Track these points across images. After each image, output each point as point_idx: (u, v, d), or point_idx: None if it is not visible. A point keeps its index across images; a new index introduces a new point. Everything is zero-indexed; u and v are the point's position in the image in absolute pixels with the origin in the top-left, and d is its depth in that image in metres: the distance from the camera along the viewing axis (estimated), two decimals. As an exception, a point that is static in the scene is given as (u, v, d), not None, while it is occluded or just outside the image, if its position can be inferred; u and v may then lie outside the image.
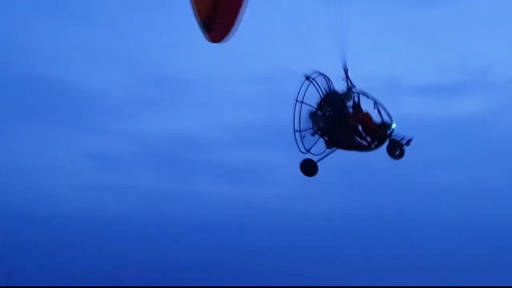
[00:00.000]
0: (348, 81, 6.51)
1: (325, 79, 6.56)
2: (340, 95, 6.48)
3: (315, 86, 6.46)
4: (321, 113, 6.36)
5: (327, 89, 6.55)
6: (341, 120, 6.29)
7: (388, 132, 6.38)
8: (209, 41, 7.71)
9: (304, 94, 6.47)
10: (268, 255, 30.41)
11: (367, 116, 6.40)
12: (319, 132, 6.57)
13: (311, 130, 6.59)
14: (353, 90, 6.46)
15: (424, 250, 30.86)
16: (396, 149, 6.49)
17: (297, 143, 6.59)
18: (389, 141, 6.54)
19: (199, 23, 7.40)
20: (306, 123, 6.57)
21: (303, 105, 6.49)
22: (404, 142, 6.46)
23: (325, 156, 6.65)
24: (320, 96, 6.54)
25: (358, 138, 6.48)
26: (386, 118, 6.46)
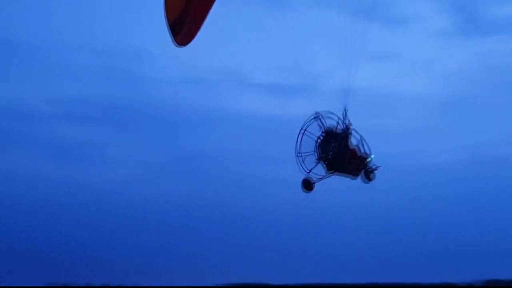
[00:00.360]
0: (348, 121, 7.86)
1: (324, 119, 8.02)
2: (342, 132, 7.82)
3: (321, 122, 7.96)
4: (329, 145, 7.63)
5: (330, 126, 7.98)
6: (344, 152, 7.65)
7: (367, 161, 7.85)
8: (174, 44, 8.69)
9: (308, 126, 8.00)
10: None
11: (357, 149, 7.92)
12: (324, 159, 7.87)
13: (311, 155, 7.94)
14: (351, 129, 7.81)
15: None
16: (371, 175, 8.08)
17: (300, 165, 8.02)
18: (366, 169, 8.04)
19: (167, 27, 8.38)
20: (307, 149, 7.95)
21: (304, 134, 7.99)
22: (375, 168, 7.94)
23: (324, 178, 8.02)
24: (323, 132, 7.90)
25: (352, 166, 7.90)
26: (367, 151, 7.98)
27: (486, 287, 34.29)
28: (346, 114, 7.99)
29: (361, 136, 8.18)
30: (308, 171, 8.10)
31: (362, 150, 8.18)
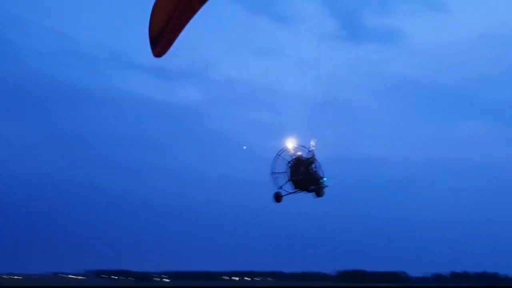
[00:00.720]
0: (312, 151, 9.73)
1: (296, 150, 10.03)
2: (308, 159, 9.85)
3: (293, 151, 9.91)
4: (298, 170, 9.42)
5: (298, 155, 9.94)
6: (308, 175, 9.55)
7: (321, 182, 9.93)
8: (153, 55, 10.15)
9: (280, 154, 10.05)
10: None
11: (316, 174, 9.75)
12: (293, 180, 9.66)
13: (283, 174, 9.86)
14: (314, 157, 9.56)
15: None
16: (321, 192, 10.37)
17: (273, 181, 10.03)
18: (319, 187, 10.09)
19: (149, 40, 9.90)
20: (281, 170, 9.75)
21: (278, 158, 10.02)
22: (325, 187, 10.13)
23: (291, 193, 10.08)
24: (293, 159, 9.80)
25: (312, 187, 9.91)
26: (321, 174, 10.15)
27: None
28: (313, 147, 9.60)
29: (319, 163, 10.04)
30: (279, 187, 9.45)
31: (319, 173, 10.08)
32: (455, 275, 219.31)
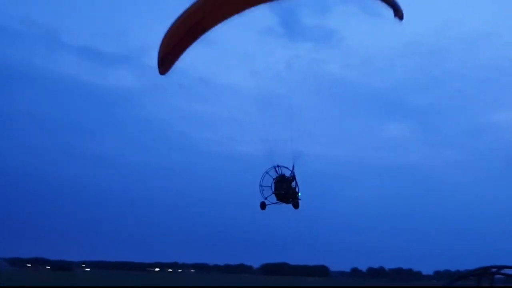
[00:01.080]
0: (293, 172, 11.85)
1: (280, 169, 12.11)
2: (289, 178, 11.99)
3: (276, 171, 12.15)
4: (280, 186, 11.77)
5: (282, 173, 12.18)
6: (289, 190, 11.88)
7: (297, 196, 12.14)
8: (159, 72, 11.41)
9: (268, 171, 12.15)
10: None
11: (295, 190, 12.02)
12: (277, 193, 11.95)
13: (269, 188, 12.08)
14: (295, 176, 11.93)
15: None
16: (298, 204, 12.31)
17: (260, 193, 12.17)
18: (296, 201, 12.25)
19: (158, 60, 11.30)
20: (267, 185, 12.05)
21: (266, 175, 12.21)
22: (298, 199, 12.07)
23: (273, 203, 12.17)
24: (277, 176, 12.10)
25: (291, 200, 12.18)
26: (298, 189, 12.18)
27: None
28: (293, 168, 11.59)
29: (296, 180, 11.92)
30: (265, 198, 11.80)
31: (296, 189, 12.08)
32: (371, 270, 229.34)
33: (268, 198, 12.52)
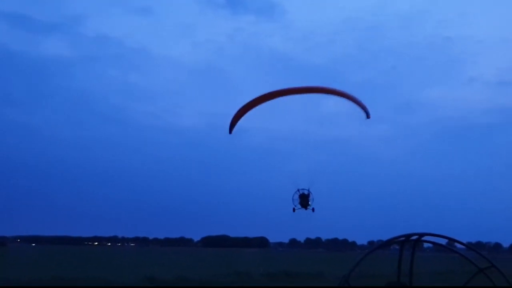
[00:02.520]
0: (310, 191, 15.63)
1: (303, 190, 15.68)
2: (308, 195, 15.71)
3: (298, 191, 15.71)
4: (304, 200, 15.65)
5: (303, 191, 15.68)
6: (307, 203, 15.69)
7: (310, 204, 15.83)
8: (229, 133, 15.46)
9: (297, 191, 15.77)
10: None
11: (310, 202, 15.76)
12: (300, 203, 15.79)
13: (297, 202, 15.70)
14: (311, 192, 15.70)
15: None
16: (312, 210, 15.93)
17: (292, 202, 15.78)
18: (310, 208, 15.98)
19: (232, 125, 15.49)
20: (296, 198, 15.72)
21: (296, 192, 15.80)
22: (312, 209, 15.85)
23: (299, 209, 15.80)
24: (300, 193, 15.71)
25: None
26: (311, 202, 15.92)
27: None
28: (309, 191, 15.11)
29: (312, 195, 15.37)
30: (294, 205, 15.29)
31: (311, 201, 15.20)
32: (309, 241, 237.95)
33: (296, 206, 15.94)
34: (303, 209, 15.75)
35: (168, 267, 47.89)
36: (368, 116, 16.24)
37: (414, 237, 8.07)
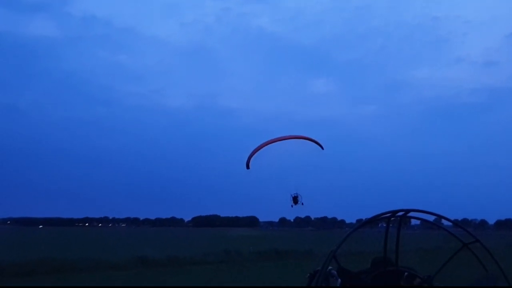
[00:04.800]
0: (298, 197, 15.40)
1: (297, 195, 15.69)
2: (297, 196, 15.49)
3: (291, 195, 15.64)
4: (294, 200, 15.42)
5: (294, 195, 15.54)
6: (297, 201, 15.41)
7: (300, 201, 15.52)
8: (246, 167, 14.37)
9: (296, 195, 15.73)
10: None
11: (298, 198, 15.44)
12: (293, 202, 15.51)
13: (291, 202, 15.52)
14: (299, 194, 15.58)
15: None
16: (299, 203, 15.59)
17: (290, 201, 15.62)
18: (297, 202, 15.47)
19: (248, 162, 14.40)
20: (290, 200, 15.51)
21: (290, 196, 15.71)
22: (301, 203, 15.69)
23: (293, 206, 15.68)
24: (292, 196, 15.51)
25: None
26: (300, 199, 15.50)
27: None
28: (297, 195, 15.45)
29: (300, 195, 15.79)
30: (291, 205, 15.55)
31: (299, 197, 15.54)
32: (298, 220, 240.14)
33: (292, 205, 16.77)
34: (296, 203, 18.67)
35: (159, 247, 48.23)
36: (322, 148, 16.31)
37: (400, 213, 8.22)
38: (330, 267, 7.55)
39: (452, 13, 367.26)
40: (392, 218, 8.51)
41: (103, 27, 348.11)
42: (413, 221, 9.60)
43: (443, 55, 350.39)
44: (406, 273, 8.16)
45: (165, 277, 24.66)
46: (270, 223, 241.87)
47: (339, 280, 7.79)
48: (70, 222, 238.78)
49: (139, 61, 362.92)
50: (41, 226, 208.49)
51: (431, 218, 8.81)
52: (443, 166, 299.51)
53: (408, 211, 8.09)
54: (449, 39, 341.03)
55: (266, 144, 15.40)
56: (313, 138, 15.52)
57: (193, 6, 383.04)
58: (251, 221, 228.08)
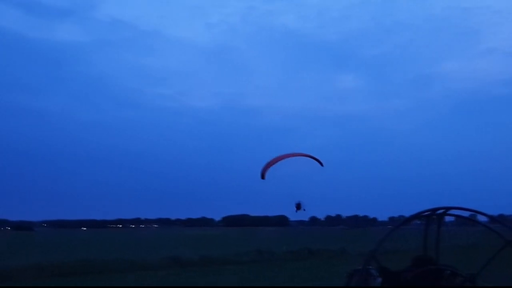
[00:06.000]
0: (301, 204, 16.66)
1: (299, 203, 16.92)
2: (299, 204, 16.66)
3: (298, 203, 16.79)
4: (298, 206, 16.68)
5: (298, 202, 16.85)
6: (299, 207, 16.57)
7: (302, 208, 16.59)
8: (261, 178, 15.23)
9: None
10: None
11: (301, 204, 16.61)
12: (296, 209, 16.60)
13: (295, 208, 16.71)
14: (301, 203, 16.72)
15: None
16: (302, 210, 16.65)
17: (295, 210, 16.68)
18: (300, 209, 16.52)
19: (263, 174, 15.26)
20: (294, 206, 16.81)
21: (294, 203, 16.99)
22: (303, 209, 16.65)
23: (297, 211, 16.64)
24: (296, 203, 16.78)
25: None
26: (302, 206, 16.65)
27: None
28: (300, 202, 16.40)
29: (302, 202, 16.86)
30: (295, 211, 16.43)
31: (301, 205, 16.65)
32: (329, 218, 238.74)
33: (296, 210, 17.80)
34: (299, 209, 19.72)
35: (191, 247, 48.72)
36: (321, 164, 17.05)
37: (440, 211, 8.03)
38: (369, 267, 7.45)
39: (482, 3, 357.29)
40: (432, 216, 8.35)
41: (129, 31, 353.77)
42: (447, 218, 9.39)
43: (473, 46, 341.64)
44: (447, 272, 7.97)
45: (199, 277, 24.87)
46: (301, 222, 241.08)
47: (379, 279, 7.68)
48: (104, 223, 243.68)
49: (165, 63, 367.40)
50: (84, 228, 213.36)
51: (466, 214, 8.58)
52: (475, 161, 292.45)
53: (448, 208, 7.90)
54: (479, 30, 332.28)
55: (278, 160, 16.17)
56: (315, 156, 16.18)
57: (218, 6, 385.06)
58: (281, 220, 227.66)
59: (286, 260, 34.58)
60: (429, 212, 7.91)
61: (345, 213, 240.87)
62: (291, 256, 36.53)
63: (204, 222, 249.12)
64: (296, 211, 17.33)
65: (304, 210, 17.46)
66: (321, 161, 16.41)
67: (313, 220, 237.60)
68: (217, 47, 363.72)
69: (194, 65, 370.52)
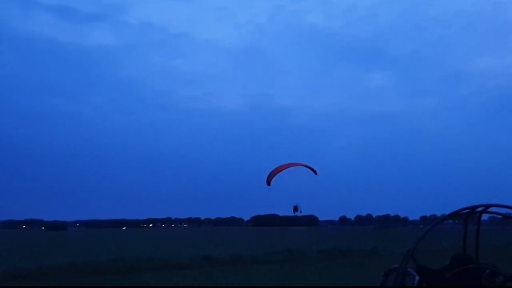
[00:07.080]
0: (298, 207, 18.40)
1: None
2: (297, 206, 18.47)
3: (296, 206, 18.94)
4: (296, 209, 18.63)
5: (295, 205, 18.75)
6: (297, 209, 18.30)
7: (299, 210, 18.58)
8: (267, 184, 16.49)
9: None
10: None
11: (298, 207, 18.43)
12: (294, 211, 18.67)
13: (292, 210, 18.93)
14: (298, 206, 18.52)
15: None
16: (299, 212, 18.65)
17: (293, 211, 18.92)
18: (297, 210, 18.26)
19: (268, 181, 16.53)
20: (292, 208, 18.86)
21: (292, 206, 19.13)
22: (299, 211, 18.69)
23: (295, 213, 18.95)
24: (294, 206, 18.76)
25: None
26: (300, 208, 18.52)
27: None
28: (297, 205, 18.04)
29: (299, 206, 18.38)
30: (293, 212, 18.32)
31: (299, 207, 18.31)
32: (359, 218, 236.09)
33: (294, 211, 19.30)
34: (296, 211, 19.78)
35: (222, 246, 49.02)
36: (315, 173, 17.94)
37: (480, 209, 7.81)
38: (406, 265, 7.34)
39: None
40: (471, 214, 8.14)
41: (158, 33, 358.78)
42: (483, 216, 9.16)
43: (507, 42, 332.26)
44: (487, 271, 7.76)
45: (231, 276, 24.96)
46: (330, 222, 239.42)
47: (417, 278, 7.55)
48: (136, 223, 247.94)
49: (193, 64, 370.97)
50: (124, 228, 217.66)
51: (504, 212, 8.34)
52: (507, 159, 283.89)
53: (488, 206, 7.71)
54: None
55: (281, 169, 16.46)
56: (311, 166, 17.06)
57: (245, 7, 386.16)
58: (310, 220, 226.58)
59: (316, 259, 34.37)
60: (468, 210, 7.72)
61: (376, 212, 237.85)
62: (322, 256, 36.30)
63: (233, 221, 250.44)
64: (294, 213, 18.99)
65: (301, 212, 18.86)
66: (315, 169, 17.42)
67: (343, 219, 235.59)
68: (244, 48, 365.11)
69: (222, 66, 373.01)
